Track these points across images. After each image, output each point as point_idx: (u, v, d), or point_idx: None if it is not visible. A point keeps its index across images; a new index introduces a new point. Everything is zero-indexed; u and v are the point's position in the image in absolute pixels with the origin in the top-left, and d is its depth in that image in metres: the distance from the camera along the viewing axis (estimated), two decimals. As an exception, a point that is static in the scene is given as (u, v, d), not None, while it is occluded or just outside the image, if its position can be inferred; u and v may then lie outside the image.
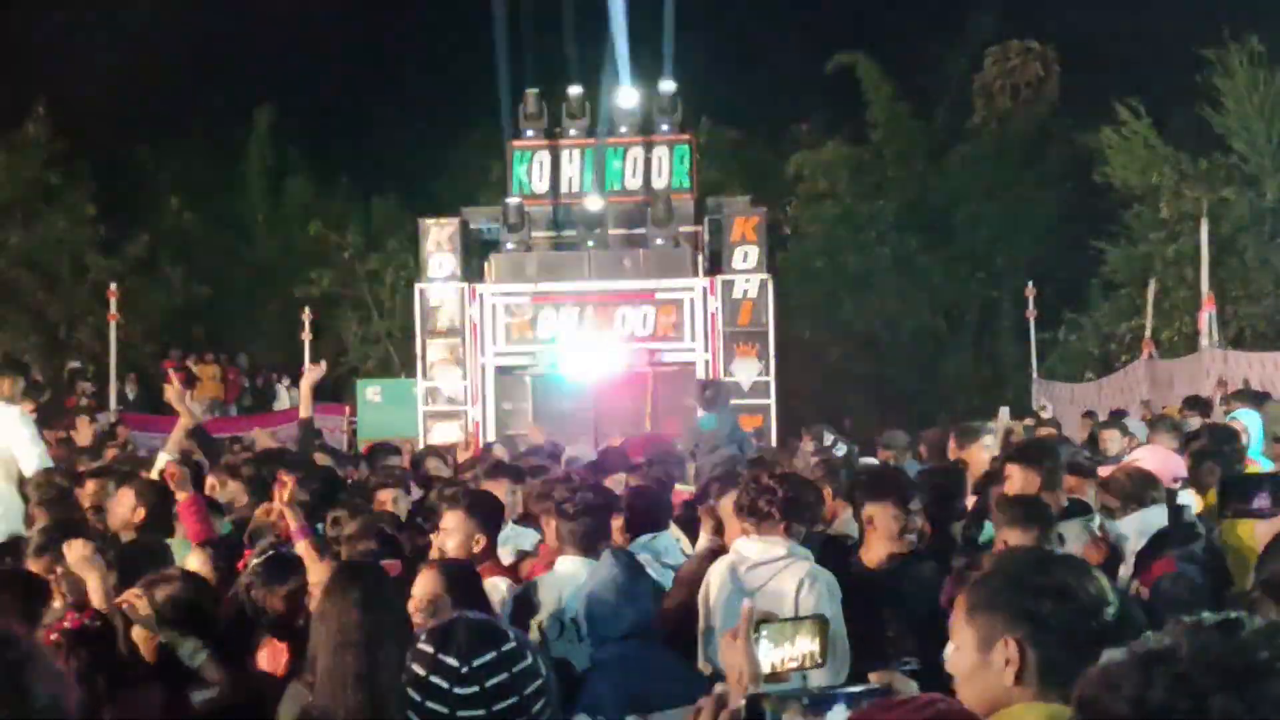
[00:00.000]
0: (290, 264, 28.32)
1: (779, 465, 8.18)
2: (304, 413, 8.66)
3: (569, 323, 16.57)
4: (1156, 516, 5.28)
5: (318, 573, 4.11)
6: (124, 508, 5.86)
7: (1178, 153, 21.84)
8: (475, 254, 17.39)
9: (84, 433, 12.79)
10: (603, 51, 18.00)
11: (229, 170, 30.27)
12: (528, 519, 6.32)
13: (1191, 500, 5.97)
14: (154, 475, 6.51)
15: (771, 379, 16.33)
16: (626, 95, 17.56)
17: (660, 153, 17.44)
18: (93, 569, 4.08)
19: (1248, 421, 8.23)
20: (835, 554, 4.96)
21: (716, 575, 4.52)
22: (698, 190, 17.70)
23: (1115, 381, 20.10)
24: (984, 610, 2.22)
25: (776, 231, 21.08)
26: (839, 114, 29.04)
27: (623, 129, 17.58)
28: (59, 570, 4.21)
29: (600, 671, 3.78)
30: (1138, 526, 5.26)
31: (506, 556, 5.41)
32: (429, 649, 2.10)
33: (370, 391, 20.88)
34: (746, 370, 16.28)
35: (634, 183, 17.47)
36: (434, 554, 4.87)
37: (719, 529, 5.02)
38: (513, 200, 17.21)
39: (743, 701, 1.94)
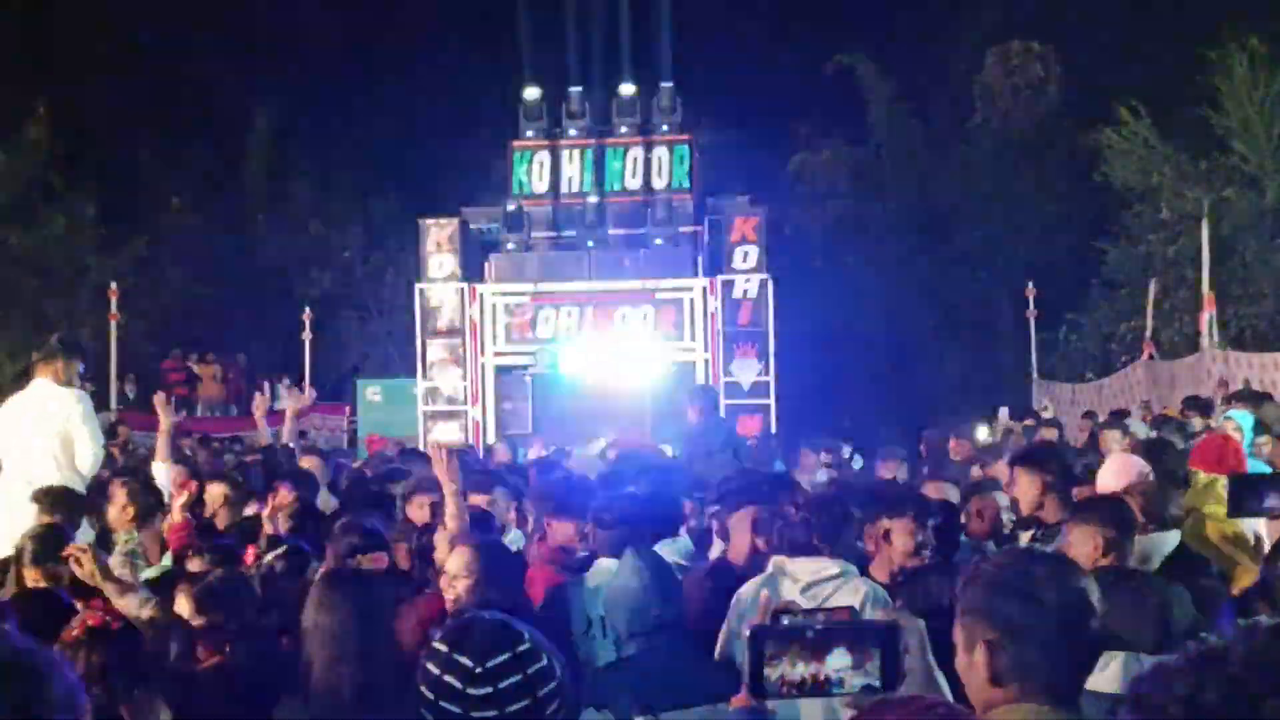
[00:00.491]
0: (291, 264, 28.32)
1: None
2: (285, 438, 8.77)
3: (569, 323, 16.58)
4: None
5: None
6: (115, 506, 5.93)
7: (1178, 153, 21.83)
8: (475, 254, 17.39)
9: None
10: (603, 52, 18.00)
11: (229, 170, 30.26)
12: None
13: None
14: (158, 482, 6.55)
15: (771, 379, 16.34)
16: (627, 95, 17.58)
17: (660, 153, 17.46)
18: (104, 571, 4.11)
19: (1241, 421, 8.27)
20: None
21: (756, 594, 4.21)
22: (697, 190, 17.69)
23: (1116, 382, 20.10)
24: (967, 613, 2.24)
25: (776, 232, 21.05)
26: (839, 114, 29.03)
27: (623, 129, 17.59)
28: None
29: (618, 668, 3.79)
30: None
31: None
32: (444, 648, 2.10)
33: (370, 391, 20.89)
34: (746, 370, 16.29)
35: (634, 183, 17.48)
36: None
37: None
38: (513, 200, 17.24)
39: (747, 633, 1.93)
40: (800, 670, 1.90)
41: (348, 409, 22.75)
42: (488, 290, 16.87)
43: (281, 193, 30.36)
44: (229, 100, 29.54)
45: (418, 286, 17.35)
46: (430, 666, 2.09)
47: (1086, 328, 24.12)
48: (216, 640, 3.74)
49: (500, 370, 16.79)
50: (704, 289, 16.46)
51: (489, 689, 2.04)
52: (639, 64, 17.81)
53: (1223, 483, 5.53)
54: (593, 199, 17.20)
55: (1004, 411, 17.36)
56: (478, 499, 5.84)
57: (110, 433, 15.07)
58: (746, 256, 16.52)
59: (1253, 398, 10.31)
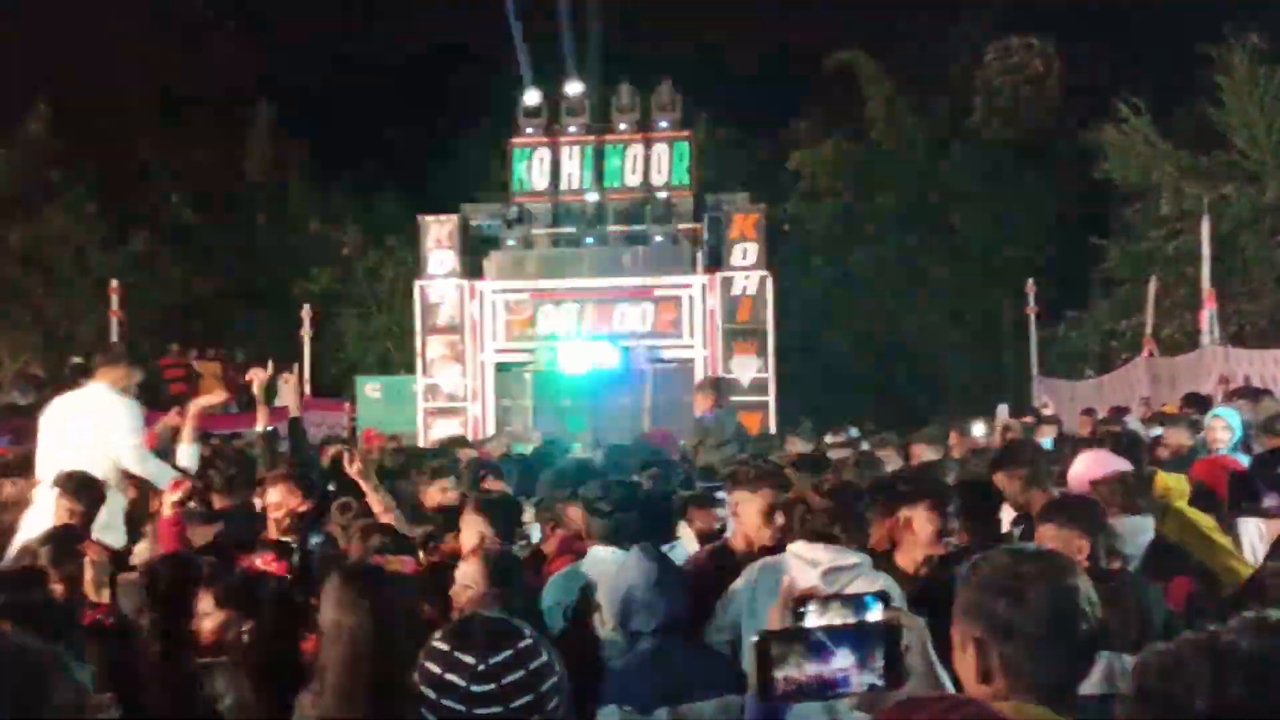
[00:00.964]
0: (290, 261, 28.31)
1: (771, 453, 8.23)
2: (293, 411, 8.71)
3: (568, 319, 16.59)
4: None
5: None
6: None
7: (1178, 150, 21.82)
8: (475, 251, 17.41)
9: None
10: (603, 49, 18.01)
11: (230, 167, 30.24)
12: None
13: None
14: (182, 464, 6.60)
15: (770, 376, 16.35)
16: (626, 92, 17.58)
17: (660, 150, 17.46)
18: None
19: (1230, 420, 8.27)
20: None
21: (766, 576, 4.25)
22: (697, 187, 17.70)
23: (1116, 379, 20.06)
24: (959, 611, 2.25)
25: (776, 229, 21.05)
26: (839, 111, 29.02)
27: (622, 126, 17.59)
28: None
29: (634, 665, 3.80)
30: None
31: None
32: (445, 646, 2.10)
33: (370, 388, 20.86)
34: (745, 367, 16.29)
35: (633, 180, 17.49)
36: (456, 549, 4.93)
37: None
38: (512, 198, 17.23)
39: (754, 639, 1.94)
40: (807, 672, 1.91)
41: (348, 405, 22.73)
42: (487, 287, 16.88)
43: (281, 190, 30.36)
44: (230, 97, 29.53)
45: (418, 283, 17.36)
46: (431, 665, 2.08)
47: (1087, 325, 24.12)
48: (233, 636, 3.73)
49: (500, 367, 16.81)
50: (703, 286, 16.47)
51: (492, 686, 2.04)
52: (639, 62, 17.83)
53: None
54: (592, 196, 17.21)
55: (1003, 409, 17.29)
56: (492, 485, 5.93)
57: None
58: (746, 253, 16.52)
59: (1252, 394, 10.30)
